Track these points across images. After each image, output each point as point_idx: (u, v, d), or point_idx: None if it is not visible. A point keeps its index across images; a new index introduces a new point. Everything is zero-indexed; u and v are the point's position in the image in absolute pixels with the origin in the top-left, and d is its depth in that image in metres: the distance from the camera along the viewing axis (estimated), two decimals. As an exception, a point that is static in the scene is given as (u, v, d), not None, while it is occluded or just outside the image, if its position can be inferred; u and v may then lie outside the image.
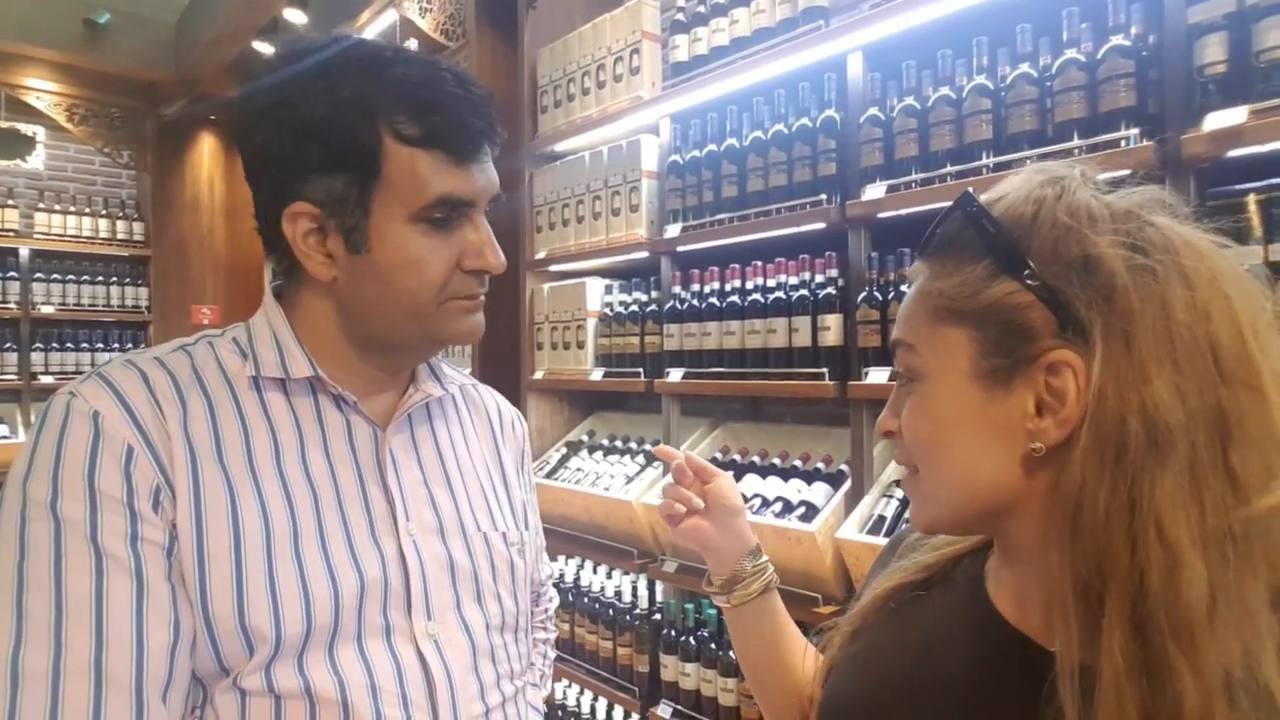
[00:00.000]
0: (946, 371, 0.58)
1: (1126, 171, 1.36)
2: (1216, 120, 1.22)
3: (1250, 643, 0.45)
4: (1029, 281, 0.53)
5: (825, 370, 1.80)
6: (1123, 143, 1.35)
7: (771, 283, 1.98)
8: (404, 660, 0.73)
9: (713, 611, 2.02)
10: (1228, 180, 1.26)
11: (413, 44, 3.39)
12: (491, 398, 0.98)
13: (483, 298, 0.78)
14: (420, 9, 3.25)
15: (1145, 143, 1.32)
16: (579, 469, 2.49)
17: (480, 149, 0.74)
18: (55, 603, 0.61)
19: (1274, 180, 1.21)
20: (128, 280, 5.19)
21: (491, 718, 0.79)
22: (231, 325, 0.80)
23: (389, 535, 0.76)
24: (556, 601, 1.08)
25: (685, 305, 2.15)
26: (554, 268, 2.64)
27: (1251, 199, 1.21)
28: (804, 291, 1.89)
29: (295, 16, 4.06)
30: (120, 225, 5.20)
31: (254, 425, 0.73)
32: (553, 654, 1.05)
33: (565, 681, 2.39)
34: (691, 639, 2.05)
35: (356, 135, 0.69)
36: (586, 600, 2.39)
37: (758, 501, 1.95)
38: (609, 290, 2.51)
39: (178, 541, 0.67)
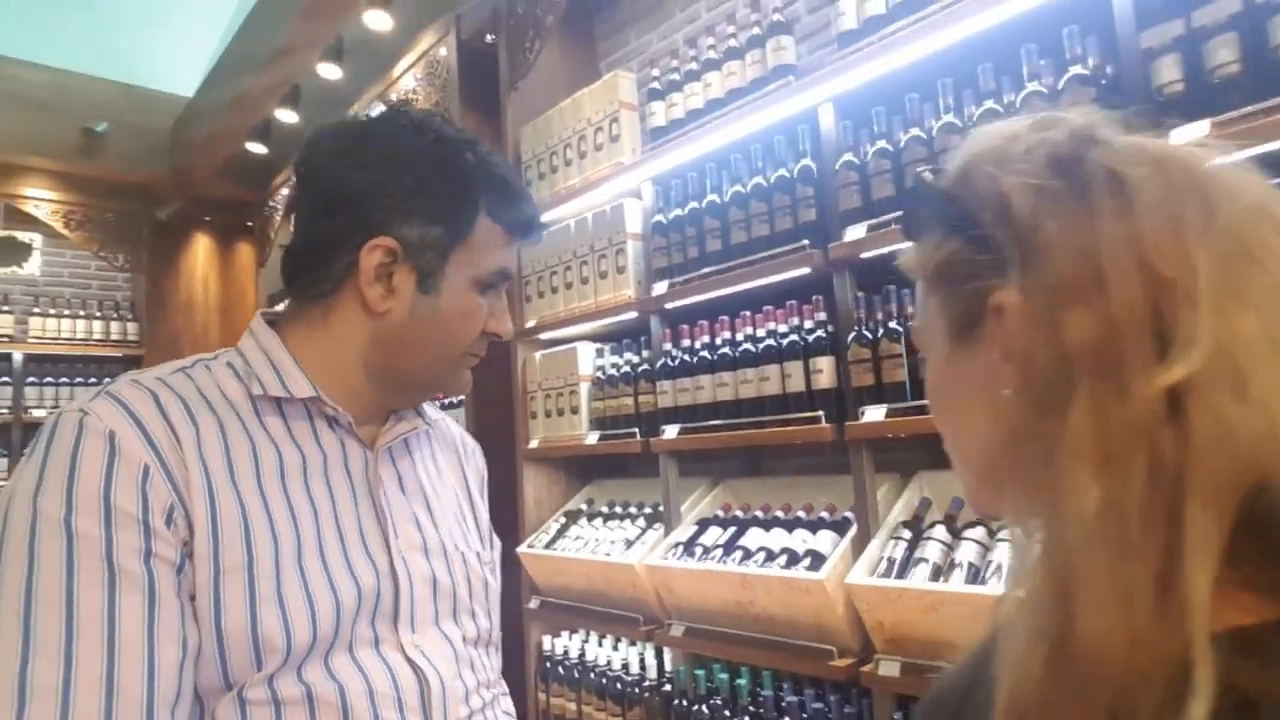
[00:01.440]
0: (935, 341, 0.58)
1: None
2: (1181, 136, 1.25)
3: (1163, 561, 0.42)
4: (965, 233, 0.53)
5: (821, 413, 1.79)
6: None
7: (761, 332, 1.99)
8: (395, 666, 0.77)
9: (724, 677, 1.93)
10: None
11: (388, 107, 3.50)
12: (453, 427, 1.05)
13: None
14: (408, 100, 3.37)
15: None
16: (578, 537, 2.43)
17: (530, 239, 0.90)
18: (66, 617, 0.62)
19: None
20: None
21: (475, 719, 0.84)
22: (221, 350, 0.84)
23: (381, 551, 0.80)
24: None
25: (677, 361, 2.15)
26: (544, 335, 2.65)
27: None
28: (794, 337, 1.89)
29: (287, 116, 4.20)
30: (115, 326, 5.23)
31: (260, 445, 0.77)
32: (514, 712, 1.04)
33: (574, 764, 2.26)
34: (704, 707, 1.95)
35: (463, 199, 0.82)
36: (593, 676, 2.29)
37: (762, 555, 1.89)
38: (600, 354, 2.51)
39: (191, 559, 0.69)
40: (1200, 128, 1.23)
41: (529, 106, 2.75)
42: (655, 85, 2.26)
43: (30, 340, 4.89)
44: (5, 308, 4.89)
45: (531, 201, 0.89)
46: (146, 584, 0.65)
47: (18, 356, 4.84)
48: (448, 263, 0.81)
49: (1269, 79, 1.18)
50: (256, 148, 4.50)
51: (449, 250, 0.81)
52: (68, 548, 0.64)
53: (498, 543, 1.02)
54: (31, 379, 4.91)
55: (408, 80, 3.39)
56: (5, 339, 4.80)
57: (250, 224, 5.46)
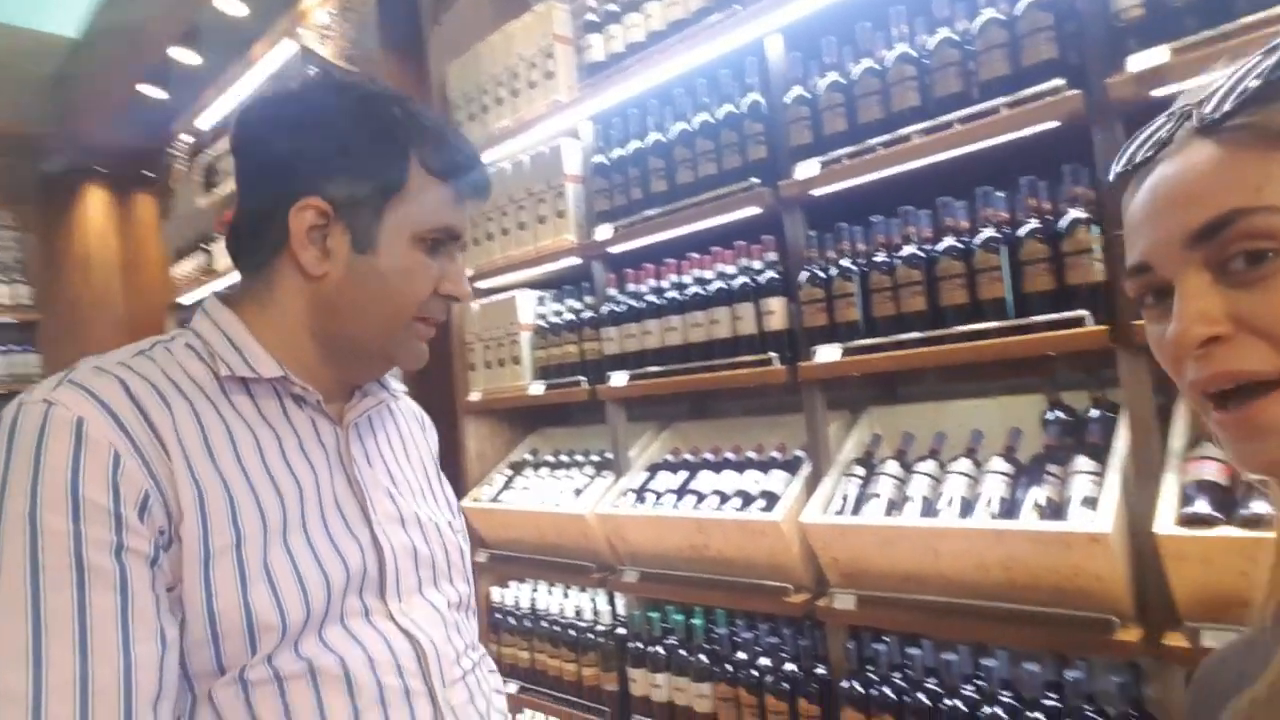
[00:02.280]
0: None
1: (1056, 123, 1.39)
2: (1139, 62, 1.25)
3: None
4: None
5: (774, 355, 1.77)
6: (1049, 95, 1.36)
7: (709, 274, 1.94)
8: (389, 634, 0.78)
9: (679, 617, 1.94)
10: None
11: (312, 71, 3.27)
12: (412, 404, 1.05)
13: (435, 329, 0.86)
14: (320, 36, 3.14)
15: (1072, 92, 1.34)
16: (525, 488, 2.38)
17: (478, 195, 0.87)
18: (34, 619, 0.60)
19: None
20: (14, 347, 4.81)
21: (467, 679, 0.86)
22: (175, 331, 0.82)
23: (362, 525, 0.81)
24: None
25: (623, 307, 2.09)
26: (482, 284, 2.54)
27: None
28: (744, 278, 1.85)
29: (186, 56, 3.87)
30: (5, 290, 4.82)
31: (234, 426, 0.76)
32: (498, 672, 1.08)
33: (530, 713, 2.25)
34: (659, 648, 1.96)
35: (390, 152, 0.80)
36: (545, 624, 2.27)
37: (716, 499, 1.88)
38: (541, 301, 2.43)
39: (167, 550, 0.68)
40: (1160, 53, 1.23)
41: (455, 42, 2.59)
42: (591, 17, 2.15)
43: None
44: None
45: (471, 151, 0.85)
46: (118, 579, 0.63)
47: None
48: (383, 220, 0.80)
49: (1226, 3, 1.18)
50: (153, 91, 4.15)
51: (382, 206, 0.80)
52: (32, 545, 0.61)
53: (461, 511, 1.03)
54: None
55: (319, 15, 3.15)
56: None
57: (150, 174, 5.06)
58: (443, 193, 0.82)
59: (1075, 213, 1.37)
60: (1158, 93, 1.25)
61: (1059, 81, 1.36)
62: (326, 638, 0.74)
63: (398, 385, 0.98)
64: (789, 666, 1.73)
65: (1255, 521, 1.13)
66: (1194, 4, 1.22)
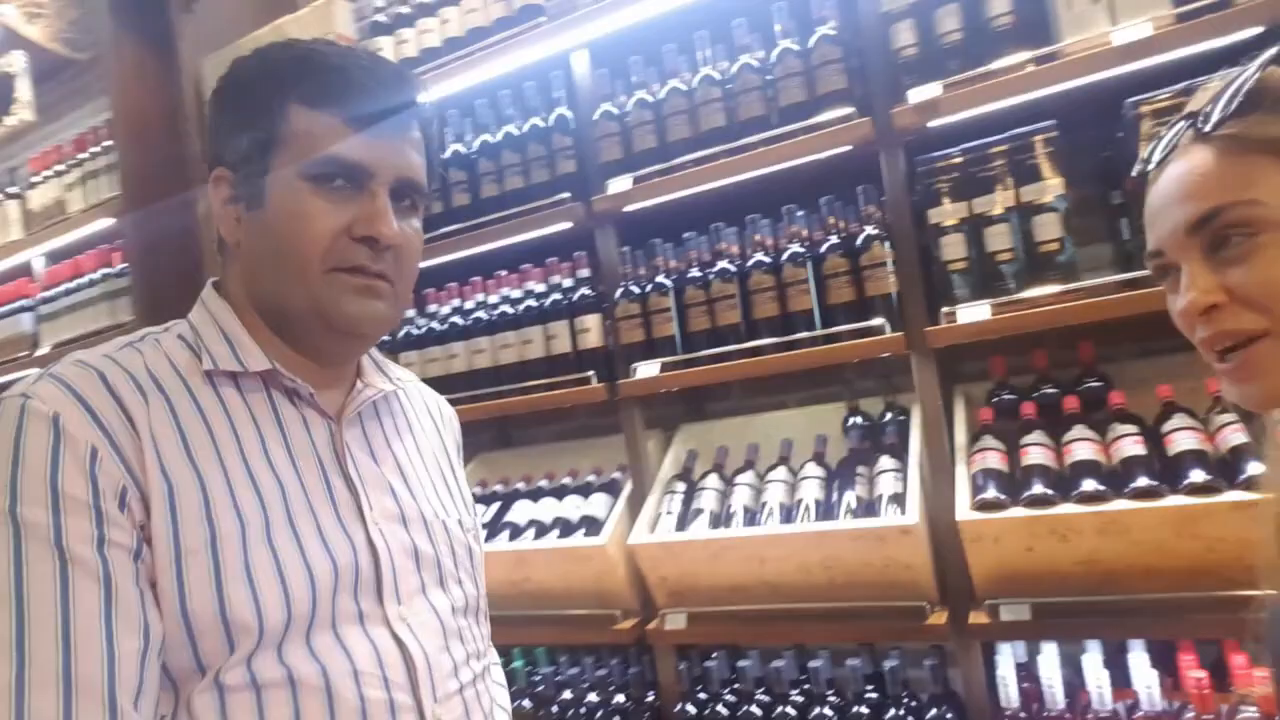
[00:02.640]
0: None
1: (849, 147, 1.50)
2: (917, 95, 1.38)
3: None
4: None
5: (592, 373, 1.73)
6: (840, 122, 1.47)
7: (518, 293, 1.87)
8: (380, 644, 0.74)
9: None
10: (932, 149, 1.43)
11: (19, 57, 2.74)
12: (431, 394, 1.00)
13: (380, 283, 0.76)
14: (27, 15, 2.64)
15: (861, 119, 1.45)
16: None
17: (382, 120, 0.76)
18: (16, 611, 0.60)
19: (970, 144, 1.40)
20: None
21: (465, 694, 0.80)
22: (172, 321, 0.80)
23: (356, 524, 0.77)
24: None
25: (424, 329, 1.95)
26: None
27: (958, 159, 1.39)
28: (557, 296, 1.80)
29: None
30: None
31: (214, 420, 0.73)
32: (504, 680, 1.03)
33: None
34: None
35: (261, 95, 0.75)
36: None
37: (533, 530, 1.80)
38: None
39: (150, 542, 0.67)
40: (934, 88, 1.37)
41: (213, 33, 2.29)
42: (380, 18, 2.00)
43: None
44: None
45: (367, 75, 0.76)
46: (101, 572, 0.63)
47: None
48: (269, 170, 0.75)
49: (988, 47, 1.34)
50: None
51: (267, 155, 0.75)
52: (14, 538, 0.62)
53: (477, 510, 1.00)
54: None
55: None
56: None
57: None
58: (329, 125, 0.74)
59: (870, 229, 1.49)
60: (933, 123, 1.40)
61: (849, 110, 1.48)
62: (314, 644, 0.71)
63: (400, 372, 0.94)
64: (619, 698, 1.68)
65: (1039, 501, 1.27)
66: (958, 47, 1.38)
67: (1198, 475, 1.17)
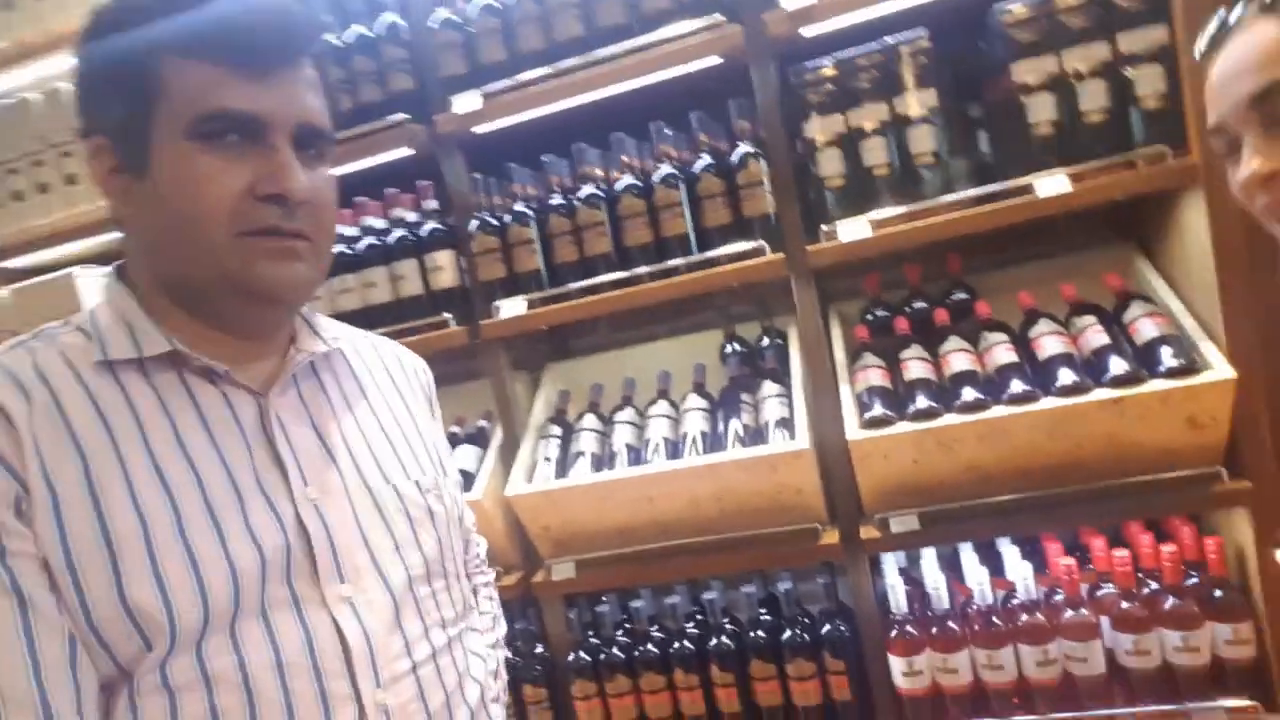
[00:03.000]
0: None
1: (719, 59, 1.41)
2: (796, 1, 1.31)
3: None
4: None
5: (449, 315, 1.56)
6: (708, 30, 1.37)
7: (353, 230, 1.65)
8: (316, 630, 0.70)
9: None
10: (804, 57, 1.37)
11: None
12: (390, 347, 0.93)
13: (298, 242, 0.70)
14: None
15: (732, 26, 1.36)
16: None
17: (271, 61, 0.68)
18: None
19: (841, 53, 1.35)
20: None
21: (420, 672, 0.76)
22: (79, 313, 0.74)
23: (286, 503, 0.72)
24: (485, 545, 1.05)
25: (242, 276, 1.68)
26: (13, 262, 1.85)
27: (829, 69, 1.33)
28: (401, 231, 1.60)
29: None
30: None
31: (112, 412, 0.68)
32: (497, 595, 1.03)
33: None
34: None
35: (130, 53, 0.68)
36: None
37: (395, 490, 1.63)
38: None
39: (42, 548, 0.64)
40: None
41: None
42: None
43: None
44: None
45: (244, 9, 0.68)
46: (10, 584, 0.62)
47: None
48: (151, 133, 0.68)
49: None
50: None
51: (146, 118, 0.67)
52: None
53: (453, 467, 0.93)
54: None
55: None
56: None
57: None
58: (209, 74, 0.67)
59: (745, 146, 1.42)
60: (807, 30, 1.33)
61: (718, 17, 1.38)
62: (240, 636, 0.67)
63: (338, 329, 0.85)
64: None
65: (924, 414, 1.28)
66: None
67: (1067, 377, 1.23)
